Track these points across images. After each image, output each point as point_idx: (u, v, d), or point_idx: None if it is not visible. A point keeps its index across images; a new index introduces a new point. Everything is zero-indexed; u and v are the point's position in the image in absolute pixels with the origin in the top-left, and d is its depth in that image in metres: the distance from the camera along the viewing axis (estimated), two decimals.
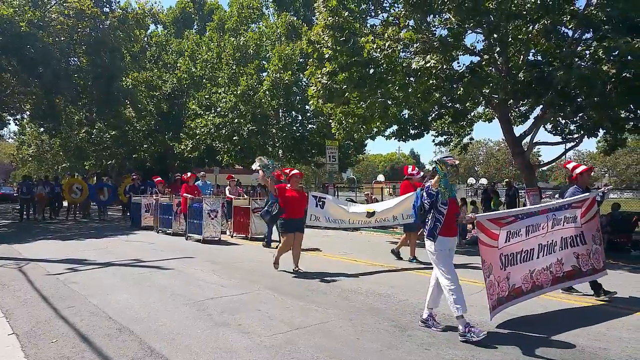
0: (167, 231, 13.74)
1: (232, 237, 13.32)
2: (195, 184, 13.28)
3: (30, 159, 37.66)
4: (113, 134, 27.94)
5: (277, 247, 8.71)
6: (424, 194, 5.00)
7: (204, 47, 25.26)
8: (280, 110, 22.29)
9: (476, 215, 5.13)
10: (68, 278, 7.44)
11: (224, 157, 22.83)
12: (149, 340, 4.53)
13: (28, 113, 24.03)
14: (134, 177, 18.69)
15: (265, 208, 8.59)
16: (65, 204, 20.73)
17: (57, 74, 18.96)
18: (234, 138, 21.21)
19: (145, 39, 30.09)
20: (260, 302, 5.99)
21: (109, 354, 4.21)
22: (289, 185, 8.20)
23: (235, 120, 21.06)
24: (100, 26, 21.71)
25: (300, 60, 21.21)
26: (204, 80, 24.93)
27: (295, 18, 23.54)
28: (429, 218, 4.93)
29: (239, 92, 20.84)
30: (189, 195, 12.50)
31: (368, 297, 6.32)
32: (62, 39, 20.16)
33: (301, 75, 21.09)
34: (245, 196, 14.37)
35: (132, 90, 25.33)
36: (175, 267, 8.45)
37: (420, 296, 6.35)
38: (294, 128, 22.40)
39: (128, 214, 19.48)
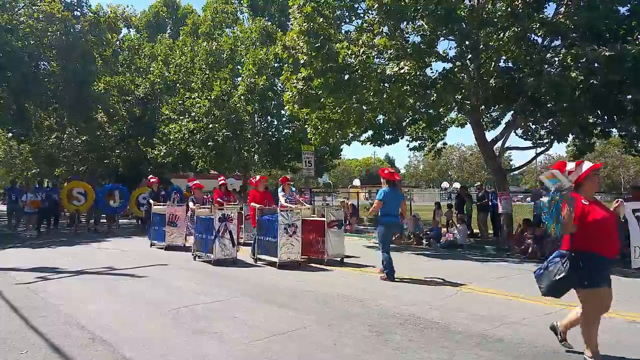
0: (209, 256, 9.49)
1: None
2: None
3: None
4: (84, 140, 27.36)
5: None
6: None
7: (177, 52, 24.98)
8: (256, 115, 22.18)
9: None
10: (39, 287, 7.24)
11: (199, 163, 22.59)
12: (122, 350, 4.44)
13: None
14: (152, 180, 14.11)
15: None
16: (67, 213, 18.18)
17: (26, 78, 18.50)
18: (209, 143, 21.01)
19: (118, 43, 29.63)
20: (237, 309, 5.93)
21: None
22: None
23: (210, 126, 20.87)
24: (71, 30, 21.29)
25: (275, 65, 21.19)
26: (178, 85, 24.67)
27: (270, 23, 23.52)
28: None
29: (213, 97, 20.68)
30: (258, 205, 9.67)
31: (345, 302, 6.34)
32: (32, 42, 19.68)
33: (276, 80, 21.06)
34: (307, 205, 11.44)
35: (104, 95, 24.87)
36: (149, 274, 8.31)
37: (396, 301, 6.41)
38: (270, 133, 22.33)
39: (142, 224, 17.10)
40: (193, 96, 21.99)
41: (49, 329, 5.05)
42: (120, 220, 18.46)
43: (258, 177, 10.61)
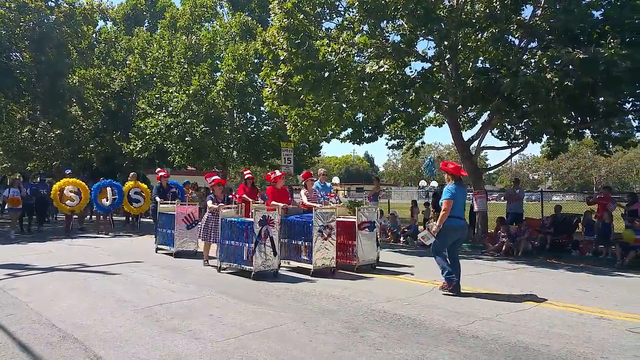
0: (243, 268, 7.77)
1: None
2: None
3: None
4: (58, 133, 26.72)
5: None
6: None
7: (155, 45, 24.60)
8: (235, 111, 22.01)
9: None
10: (7, 284, 7.04)
11: (176, 158, 22.31)
12: (94, 348, 4.34)
13: None
14: (161, 174, 11.88)
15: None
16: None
17: None
18: (187, 139, 20.75)
19: (94, 35, 29.04)
20: (213, 306, 5.88)
21: None
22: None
23: (188, 121, 20.62)
24: (45, 21, 20.76)
25: (255, 60, 21.06)
26: (155, 78, 24.31)
27: (250, 18, 23.34)
28: None
29: (191, 91, 20.43)
30: (282, 204, 8.56)
31: (322, 299, 6.33)
32: (3, 32, 19.12)
33: (256, 76, 20.94)
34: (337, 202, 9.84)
35: (78, 88, 24.33)
36: (122, 272, 8.18)
37: (372, 297, 6.43)
38: (249, 129, 22.19)
39: (133, 221, 15.72)
40: (170, 90, 21.69)
41: (18, 327, 4.92)
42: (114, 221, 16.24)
43: (278, 172, 9.34)
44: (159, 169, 13.06)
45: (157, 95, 22.85)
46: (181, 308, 5.77)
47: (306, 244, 8.04)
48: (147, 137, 22.39)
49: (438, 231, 6.59)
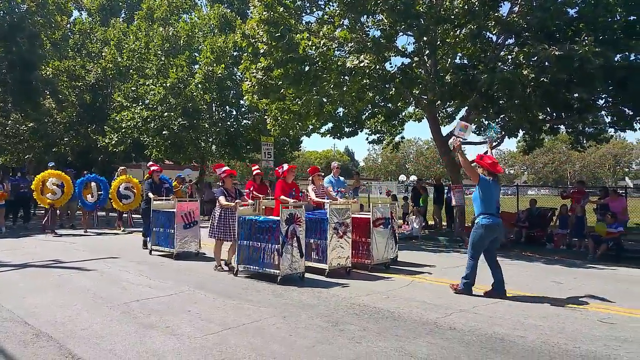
0: (267, 272, 7.01)
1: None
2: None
3: None
4: (30, 126, 26.04)
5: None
6: None
7: (131, 37, 24.13)
8: (214, 105, 21.78)
9: None
10: None
11: (153, 152, 21.96)
12: (69, 345, 4.26)
13: None
14: (153, 168, 10.60)
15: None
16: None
17: None
18: (164, 132, 20.44)
19: (68, 25, 28.32)
20: (191, 302, 5.82)
21: None
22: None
23: (165, 114, 20.29)
24: (16, 10, 20.15)
25: (234, 53, 20.84)
26: (131, 71, 23.86)
27: (229, 10, 23.08)
28: None
29: (168, 84, 20.12)
30: (292, 201, 7.77)
31: (301, 293, 6.33)
32: None
33: (235, 69, 20.74)
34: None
35: (52, 80, 23.71)
36: (98, 268, 8.03)
37: (352, 290, 6.46)
38: (228, 123, 21.98)
39: (122, 215, 14.50)
40: (147, 83, 21.32)
41: None
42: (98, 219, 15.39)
43: (286, 166, 8.62)
44: (150, 163, 11.97)
45: (133, 88, 22.44)
46: (158, 304, 5.70)
47: (318, 242, 7.54)
48: (123, 130, 21.99)
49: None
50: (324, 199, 8.34)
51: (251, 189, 8.70)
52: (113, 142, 22.78)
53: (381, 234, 8.12)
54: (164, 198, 10.08)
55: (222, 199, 7.71)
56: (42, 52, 22.05)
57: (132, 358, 4.01)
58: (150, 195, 9.88)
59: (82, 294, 6.20)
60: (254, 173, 10.00)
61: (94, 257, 9.05)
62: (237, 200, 7.69)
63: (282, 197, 7.91)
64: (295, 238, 6.97)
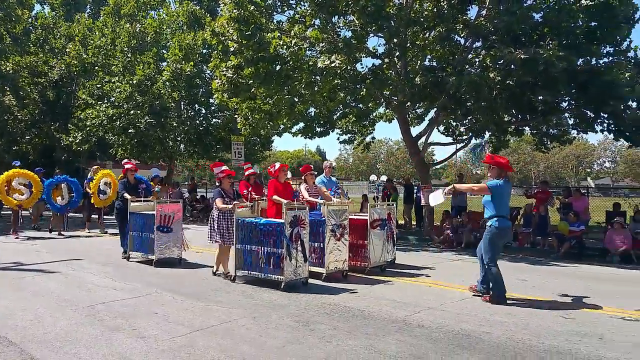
0: (270, 278, 6.62)
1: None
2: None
3: None
4: None
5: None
6: None
7: (97, 33, 23.52)
8: (182, 103, 21.44)
9: None
10: None
11: (118, 151, 21.44)
12: (31, 350, 4.12)
13: None
14: (127, 166, 9.73)
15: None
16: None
17: None
18: (130, 131, 19.98)
19: (30, 20, 27.40)
20: (158, 304, 5.71)
21: None
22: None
23: (132, 112, 19.83)
24: None
25: (204, 51, 20.56)
26: (96, 68, 23.25)
27: (198, 7, 22.76)
28: None
29: (135, 81, 19.69)
30: (285, 201, 7.02)
31: (272, 293, 6.30)
32: None
33: (204, 67, 20.47)
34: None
35: (12, 76, 22.90)
36: (62, 270, 7.80)
37: (323, 290, 6.46)
38: (197, 122, 21.67)
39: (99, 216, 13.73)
40: (113, 80, 20.80)
41: None
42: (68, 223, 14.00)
43: (278, 164, 8.13)
44: (125, 160, 10.81)
45: (98, 85, 21.86)
46: (125, 307, 5.57)
47: (315, 245, 7.21)
48: (87, 128, 21.39)
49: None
50: (317, 198, 8.03)
51: (249, 189, 8.24)
52: (77, 140, 22.14)
53: (378, 236, 7.92)
54: (142, 199, 9.13)
55: (218, 201, 7.25)
56: (1, 47, 21.25)
57: None
58: (127, 195, 8.95)
59: (45, 297, 6.00)
60: (247, 173, 9.28)
61: (57, 260, 8.77)
62: (235, 202, 7.16)
63: (275, 197, 7.53)
64: (299, 241, 6.57)
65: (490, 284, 6.01)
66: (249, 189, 7.96)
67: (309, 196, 7.99)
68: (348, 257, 7.51)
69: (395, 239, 8.58)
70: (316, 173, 8.85)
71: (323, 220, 7.18)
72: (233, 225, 7.00)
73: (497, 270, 5.95)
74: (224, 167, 7.73)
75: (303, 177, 8.40)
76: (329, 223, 7.11)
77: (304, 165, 8.73)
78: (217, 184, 7.73)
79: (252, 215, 7.41)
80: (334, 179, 9.45)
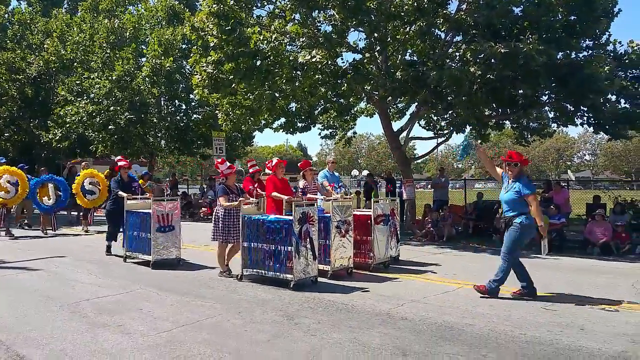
0: (279, 276, 6.47)
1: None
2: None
3: None
4: None
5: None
6: None
7: (75, 29, 23.11)
8: (162, 99, 21.22)
9: None
10: None
11: (99, 148, 21.15)
12: (16, 347, 4.10)
13: None
14: (120, 163, 9.40)
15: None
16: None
17: None
18: (110, 127, 19.71)
19: (7, 16, 26.83)
20: (143, 300, 5.70)
21: None
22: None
23: (111, 108, 19.55)
24: None
25: (183, 46, 20.36)
26: (75, 64, 22.87)
27: (177, 2, 22.50)
28: None
29: (114, 77, 19.42)
30: (286, 197, 7.29)
31: (256, 289, 6.32)
32: None
33: (184, 62, 20.26)
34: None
35: None
36: (45, 267, 7.70)
37: (308, 285, 6.51)
38: (178, 118, 21.47)
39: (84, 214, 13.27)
40: (92, 76, 20.49)
41: None
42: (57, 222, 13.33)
43: (275, 159, 7.89)
44: (118, 157, 10.32)
45: (77, 82, 21.52)
46: (110, 303, 5.55)
47: (320, 242, 6.92)
48: (67, 125, 21.04)
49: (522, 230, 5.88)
50: (316, 194, 7.85)
51: (255, 185, 7.99)
52: (57, 137, 21.78)
53: (382, 232, 7.78)
54: (139, 197, 8.85)
55: (222, 199, 7.00)
56: None
57: (84, 358, 3.90)
58: (123, 194, 8.61)
59: (29, 294, 5.95)
60: (251, 171, 8.72)
61: (40, 257, 8.65)
62: (240, 199, 6.96)
63: (275, 193, 7.40)
64: (308, 239, 6.39)
65: (502, 274, 5.93)
66: (255, 186, 7.82)
67: (308, 193, 7.73)
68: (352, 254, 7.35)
69: (398, 235, 8.43)
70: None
71: (327, 216, 7.04)
72: (239, 221, 6.82)
73: (508, 267, 5.94)
74: (230, 164, 7.58)
75: (302, 173, 8.23)
76: (334, 219, 6.95)
77: (303, 161, 8.55)
78: (222, 180, 7.46)
79: (258, 212, 7.26)
80: (336, 174, 9.28)
